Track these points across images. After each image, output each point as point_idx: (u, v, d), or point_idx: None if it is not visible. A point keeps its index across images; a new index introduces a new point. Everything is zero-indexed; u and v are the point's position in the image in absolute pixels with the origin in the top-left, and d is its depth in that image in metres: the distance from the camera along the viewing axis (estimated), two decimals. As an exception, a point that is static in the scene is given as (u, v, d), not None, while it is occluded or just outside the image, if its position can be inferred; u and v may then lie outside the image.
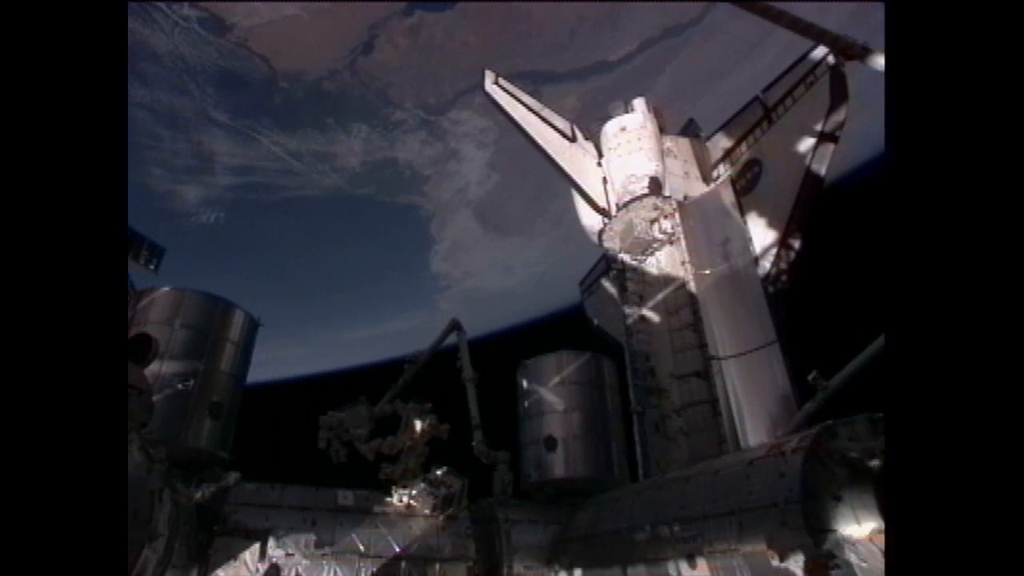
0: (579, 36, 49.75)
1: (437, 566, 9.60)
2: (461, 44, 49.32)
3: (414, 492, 10.04)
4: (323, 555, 8.94)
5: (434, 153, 54.75)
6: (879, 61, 9.84)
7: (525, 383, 13.16)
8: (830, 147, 12.30)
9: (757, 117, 14.20)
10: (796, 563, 5.73)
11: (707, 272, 13.33)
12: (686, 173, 15.00)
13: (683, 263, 13.26)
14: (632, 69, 50.37)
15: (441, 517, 10.08)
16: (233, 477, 8.77)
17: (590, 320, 18.27)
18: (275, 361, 47.21)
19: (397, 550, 9.44)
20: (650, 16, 47.86)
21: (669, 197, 13.92)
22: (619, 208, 14.29)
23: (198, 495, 8.04)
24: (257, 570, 8.57)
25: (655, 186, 14.00)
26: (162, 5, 43.21)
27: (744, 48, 43.99)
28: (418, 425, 10.58)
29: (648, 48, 49.74)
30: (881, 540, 5.47)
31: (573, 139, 16.37)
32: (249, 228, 55.48)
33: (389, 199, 57.23)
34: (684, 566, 7.37)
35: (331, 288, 59.74)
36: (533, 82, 49.40)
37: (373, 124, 52.92)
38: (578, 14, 48.31)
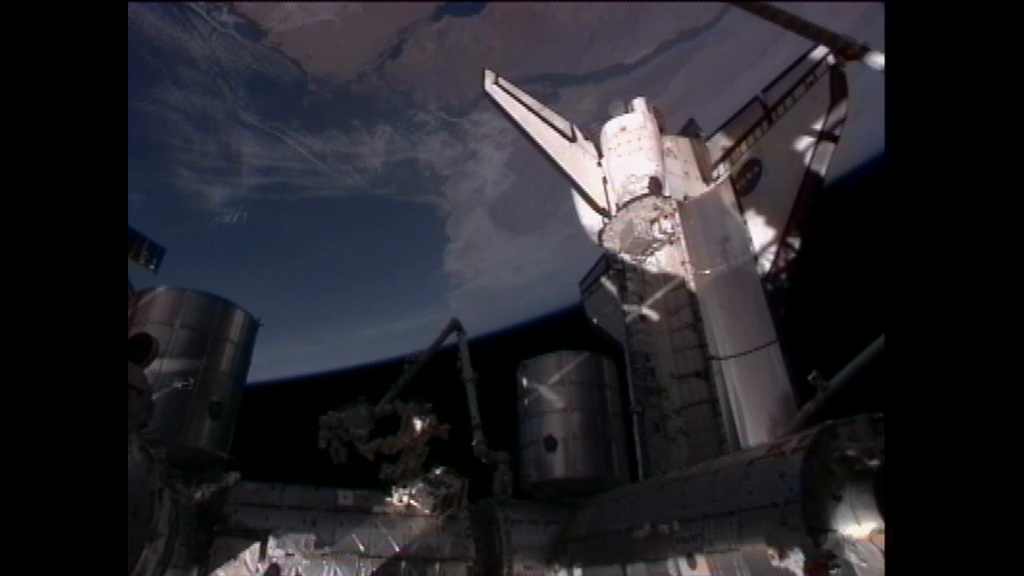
0: (598, 40, 50.84)
1: (437, 566, 9.60)
2: (486, 48, 50.43)
3: (414, 492, 10.03)
4: (323, 555, 8.93)
5: (454, 154, 55.99)
6: (878, 60, 9.84)
7: (525, 383, 13.16)
8: (830, 147, 12.30)
9: (757, 117, 14.21)
10: (796, 563, 5.73)
11: (707, 272, 13.34)
12: (686, 173, 15.00)
13: (683, 263, 13.27)
14: (647, 72, 51.47)
15: (441, 517, 10.08)
16: (233, 477, 8.75)
17: (590, 320, 18.27)
18: (282, 360, 47.93)
19: (397, 550, 9.44)
20: (667, 20, 48.92)
21: (669, 197, 13.92)
22: (619, 208, 14.29)
23: (198, 495, 8.03)
24: (257, 570, 8.56)
25: (655, 186, 14.00)
26: (201, 11, 44.21)
27: (755, 51, 44.43)
28: (418, 425, 10.58)
29: (664, 51, 50.79)
30: (881, 540, 5.47)
31: (573, 139, 16.37)
32: (269, 228, 56.80)
33: (408, 199, 58.47)
34: (684, 565, 7.37)
35: (344, 287, 61.05)
36: (553, 84, 51.44)
37: (397, 125, 54.25)
38: (599, 18, 49.42)
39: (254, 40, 47.50)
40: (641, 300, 13.31)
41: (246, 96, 49.82)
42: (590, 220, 15.71)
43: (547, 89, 50.33)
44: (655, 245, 13.67)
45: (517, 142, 51.28)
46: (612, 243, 14.26)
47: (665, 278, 13.41)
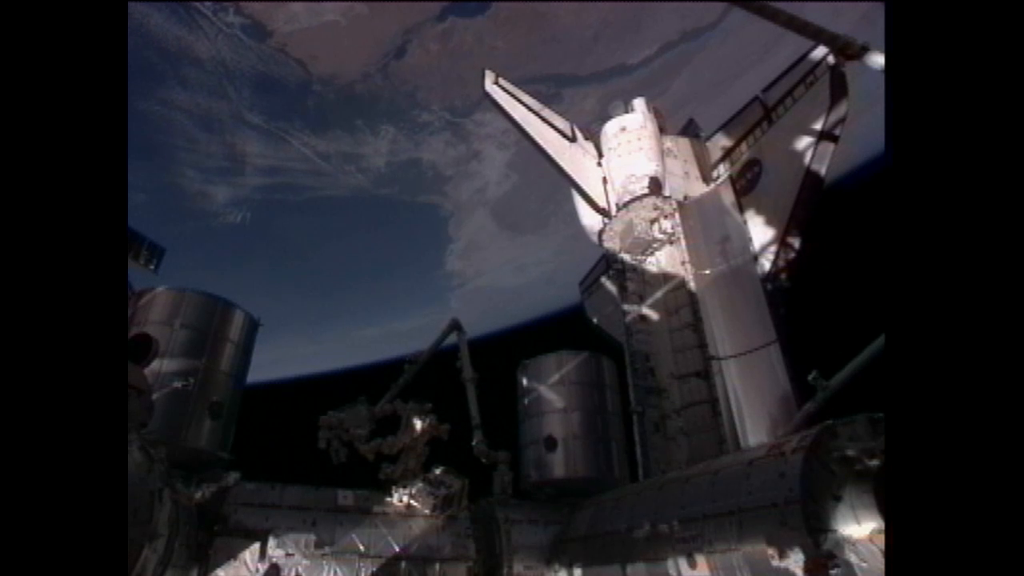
0: (602, 40, 51.02)
1: (437, 566, 9.60)
2: (490, 48, 50.67)
3: (414, 492, 10.04)
4: (323, 555, 8.94)
5: (457, 154, 56.16)
6: (878, 60, 9.84)
7: (525, 383, 13.16)
8: (830, 147, 12.29)
9: (757, 117, 14.20)
10: (796, 563, 5.73)
11: (707, 272, 13.34)
12: (686, 173, 15.00)
13: (683, 263, 13.27)
14: (650, 72, 51.63)
15: (441, 517, 10.08)
16: (233, 477, 8.75)
17: (590, 320, 18.27)
18: (282, 360, 48.05)
19: (397, 550, 9.44)
20: (669, 21, 49.08)
21: (669, 197, 13.92)
22: (619, 208, 14.28)
23: (198, 495, 8.03)
24: (257, 570, 8.57)
25: (655, 186, 13.99)
26: (207, 12, 44.59)
27: (757, 51, 44.58)
28: (418, 425, 10.58)
29: (667, 52, 50.94)
30: (881, 540, 5.48)
31: (573, 139, 16.36)
32: (272, 228, 57.04)
33: (410, 199, 58.69)
34: (684, 565, 7.37)
35: (345, 287, 61.27)
36: (556, 85, 51.61)
37: (400, 126, 54.43)
38: (602, 19, 49.59)
39: (259, 41, 47.90)
40: (641, 300, 13.30)
41: (251, 96, 50.30)
42: (590, 220, 15.71)
43: (550, 89, 50.70)
44: (655, 245, 13.67)
45: (520, 142, 51.32)
46: (612, 243, 14.25)
47: (665, 278, 13.40)
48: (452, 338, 14.76)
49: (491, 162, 55.84)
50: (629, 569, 8.51)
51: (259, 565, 8.60)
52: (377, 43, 49.70)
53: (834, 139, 12.26)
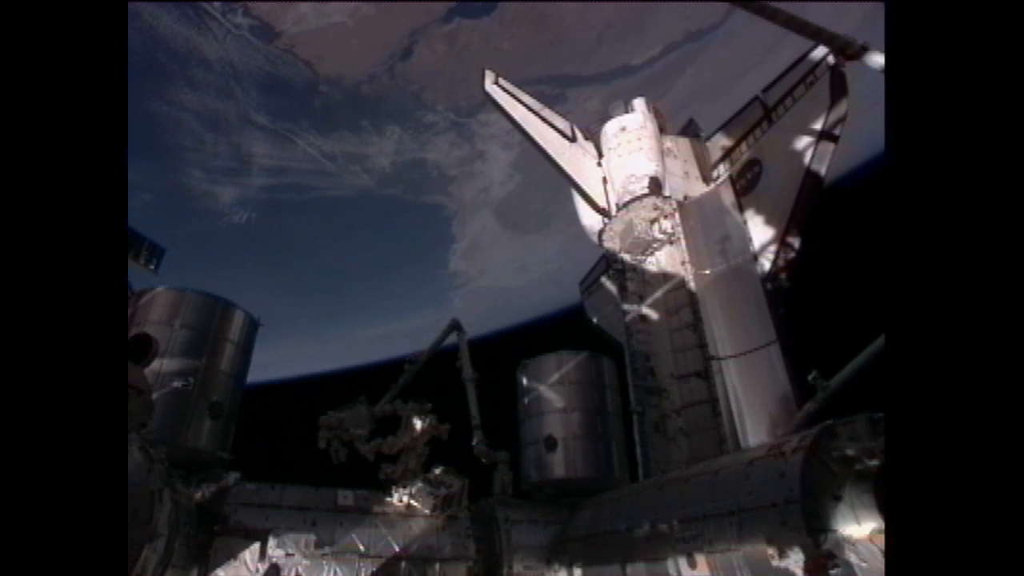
0: (606, 41, 51.36)
1: (437, 566, 9.60)
2: (495, 49, 51.07)
3: (414, 492, 10.04)
4: (323, 555, 8.94)
5: (462, 154, 56.39)
6: (878, 60, 9.84)
7: (525, 383, 13.16)
8: (830, 147, 12.29)
9: (757, 117, 14.19)
10: (796, 563, 5.74)
11: (707, 272, 13.34)
12: (686, 173, 15.00)
13: (683, 263, 13.27)
14: (654, 73, 51.90)
15: (441, 517, 10.09)
16: (233, 477, 8.76)
17: (590, 320, 18.27)
18: (282, 360, 48.16)
19: (397, 550, 9.44)
20: (673, 21, 49.44)
21: (669, 197, 13.92)
22: (619, 208, 14.28)
23: (198, 495, 8.03)
24: (257, 570, 8.57)
25: (655, 186, 13.99)
26: (216, 13, 45.06)
27: (760, 52, 44.71)
28: (418, 425, 10.58)
29: (670, 52, 51.22)
30: (881, 540, 5.48)
31: (573, 139, 16.35)
32: (276, 228, 57.23)
33: (415, 199, 58.89)
34: (684, 565, 7.37)
35: (348, 287, 61.41)
36: (560, 85, 52.07)
37: (405, 126, 54.65)
38: (606, 20, 49.92)
39: (267, 42, 48.19)
40: (641, 300, 13.30)
41: (258, 97, 50.61)
42: (590, 220, 15.70)
43: (555, 90, 50.99)
44: (655, 245, 13.67)
45: (523, 143, 51.40)
46: (612, 243, 14.25)
47: (665, 278, 13.40)
48: (452, 338, 14.77)
49: (495, 162, 56.12)
50: (629, 569, 8.51)
51: (259, 565, 8.60)
52: (384, 44, 50.09)
53: (834, 139, 12.26)
